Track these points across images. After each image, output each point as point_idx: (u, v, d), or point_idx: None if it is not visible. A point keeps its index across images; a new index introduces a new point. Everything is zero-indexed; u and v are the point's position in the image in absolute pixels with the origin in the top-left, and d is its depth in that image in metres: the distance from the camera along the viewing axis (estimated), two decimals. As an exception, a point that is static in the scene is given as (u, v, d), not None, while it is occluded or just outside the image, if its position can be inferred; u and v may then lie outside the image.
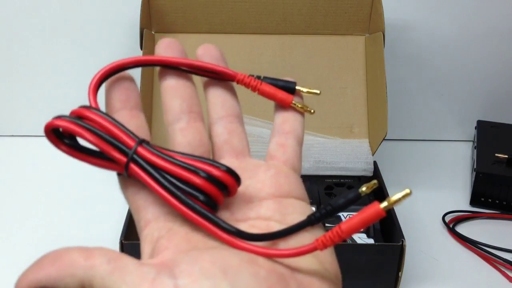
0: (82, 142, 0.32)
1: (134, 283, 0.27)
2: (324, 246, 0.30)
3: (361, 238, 0.64)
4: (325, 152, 0.73)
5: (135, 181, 0.32)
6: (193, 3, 0.77)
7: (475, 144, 0.84)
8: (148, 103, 0.74)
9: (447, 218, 0.75)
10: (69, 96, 0.89)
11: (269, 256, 0.29)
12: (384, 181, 0.71)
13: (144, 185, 0.31)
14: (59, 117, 0.31)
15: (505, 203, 0.76)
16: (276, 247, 0.30)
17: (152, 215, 0.31)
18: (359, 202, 0.71)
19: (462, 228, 0.73)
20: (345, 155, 0.73)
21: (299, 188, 0.35)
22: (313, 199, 0.67)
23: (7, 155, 0.88)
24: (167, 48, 0.36)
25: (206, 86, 0.37)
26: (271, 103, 0.38)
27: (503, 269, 0.66)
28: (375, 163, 0.73)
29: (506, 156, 0.77)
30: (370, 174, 0.72)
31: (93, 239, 0.70)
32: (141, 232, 0.32)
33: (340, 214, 0.66)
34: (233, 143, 0.35)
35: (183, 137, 0.35)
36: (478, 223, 0.75)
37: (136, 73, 0.75)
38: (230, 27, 0.78)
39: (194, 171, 0.30)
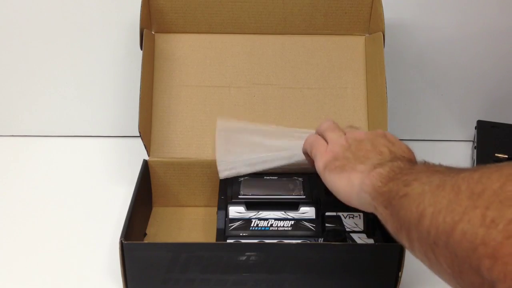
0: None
1: None
2: None
3: (361, 238, 0.64)
4: None
5: None
6: (193, 3, 0.77)
7: (475, 144, 0.84)
8: (148, 103, 0.74)
9: (447, 218, 0.74)
10: (69, 96, 0.89)
11: None
12: (384, 181, 0.71)
13: None
14: None
15: (505, 203, 0.76)
16: None
17: None
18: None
19: (462, 228, 0.73)
20: None
21: None
22: (313, 199, 0.67)
23: (7, 155, 0.88)
24: None
25: None
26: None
27: (503, 269, 0.66)
28: (375, 163, 0.73)
29: (506, 156, 0.77)
30: None
31: (93, 239, 0.71)
32: None
33: (340, 214, 0.66)
34: None
35: None
36: (478, 223, 0.75)
37: (136, 73, 0.75)
38: (230, 27, 0.78)
39: None
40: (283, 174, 0.71)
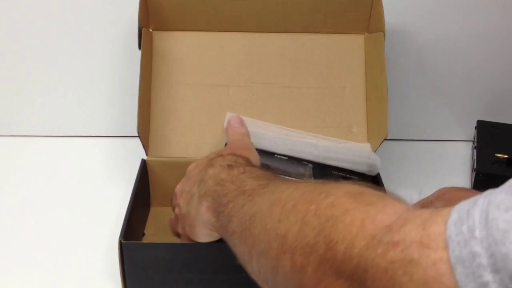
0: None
1: None
2: None
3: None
4: (327, 154, 0.72)
5: None
6: (191, 1, 0.76)
7: (475, 144, 0.84)
8: (147, 102, 0.74)
9: (447, 218, 0.74)
10: (68, 96, 0.89)
11: None
12: (384, 181, 0.71)
13: None
14: None
15: (505, 203, 0.76)
16: None
17: None
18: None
19: (462, 228, 0.73)
20: (349, 158, 0.72)
21: None
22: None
23: (7, 155, 0.88)
24: None
25: None
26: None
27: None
28: (374, 162, 0.73)
29: (506, 156, 0.77)
30: (374, 174, 0.71)
31: (93, 239, 0.70)
32: None
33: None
34: None
35: None
36: (478, 223, 0.75)
37: (134, 72, 0.75)
38: (229, 25, 0.78)
39: None
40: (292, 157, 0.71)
